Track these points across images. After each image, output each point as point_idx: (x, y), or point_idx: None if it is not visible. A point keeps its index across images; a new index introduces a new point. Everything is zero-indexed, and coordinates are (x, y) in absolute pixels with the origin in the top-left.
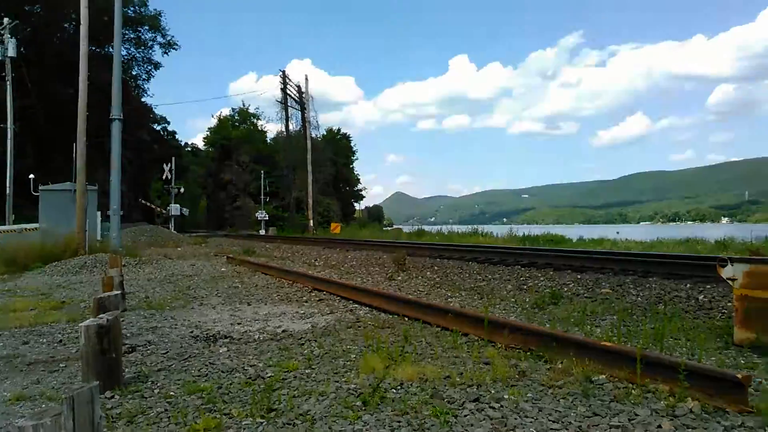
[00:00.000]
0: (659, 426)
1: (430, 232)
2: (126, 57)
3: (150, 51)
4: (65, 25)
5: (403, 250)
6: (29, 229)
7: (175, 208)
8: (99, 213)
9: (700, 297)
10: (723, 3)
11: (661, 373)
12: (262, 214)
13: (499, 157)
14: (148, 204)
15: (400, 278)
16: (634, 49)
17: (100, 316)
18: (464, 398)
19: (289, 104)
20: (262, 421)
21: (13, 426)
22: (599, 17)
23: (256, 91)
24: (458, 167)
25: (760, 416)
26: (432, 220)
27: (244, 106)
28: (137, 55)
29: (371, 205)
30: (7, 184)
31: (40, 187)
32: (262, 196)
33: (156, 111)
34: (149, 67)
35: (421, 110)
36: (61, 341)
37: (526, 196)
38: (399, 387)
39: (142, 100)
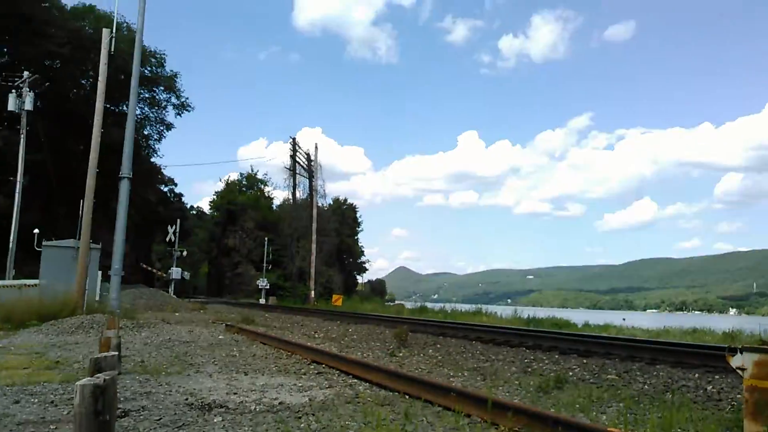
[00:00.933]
0: None
1: (433, 310)
2: (139, 116)
3: (163, 111)
4: (82, 81)
5: (405, 326)
6: (29, 285)
7: (176, 272)
8: (100, 273)
9: (709, 387)
10: (730, 93)
11: None
12: (263, 283)
13: (504, 235)
14: (150, 268)
15: (401, 355)
16: (643, 134)
17: (97, 375)
18: None
19: (297, 171)
20: None
21: None
22: (608, 101)
23: (265, 157)
24: (463, 244)
25: None
26: (435, 297)
27: (252, 171)
28: (150, 114)
29: (374, 279)
30: (11, 239)
31: (43, 243)
32: (265, 264)
33: (164, 172)
34: (161, 128)
35: (428, 184)
36: (53, 402)
37: (531, 276)
38: None
39: (152, 160)
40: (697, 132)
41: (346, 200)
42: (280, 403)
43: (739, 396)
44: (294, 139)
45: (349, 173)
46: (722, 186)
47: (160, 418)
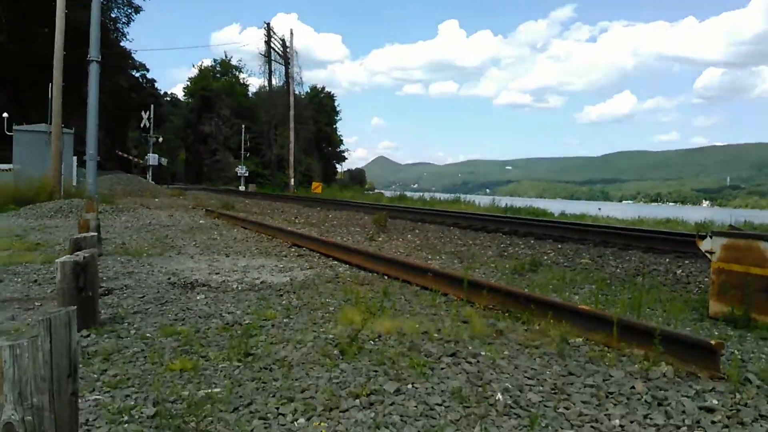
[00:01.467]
0: (632, 387)
1: (412, 198)
2: None
3: None
4: None
5: (384, 212)
6: (3, 170)
7: (153, 158)
8: (75, 158)
9: (678, 271)
10: None
11: (636, 338)
12: (242, 170)
13: (484, 127)
14: (126, 155)
15: (380, 239)
16: (625, 27)
17: (77, 253)
18: (441, 353)
19: (272, 58)
20: (238, 364)
21: None
22: None
23: (239, 42)
24: (443, 135)
25: (730, 382)
26: (415, 186)
27: (226, 57)
28: None
29: (353, 168)
30: None
31: (14, 127)
32: (243, 152)
33: (135, 57)
34: (129, 10)
35: (407, 74)
36: (36, 281)
37: (510, 168)
38: (377, 339)
39: (121, 44)
40: (680, 26)
41: (323, 88)
42: (261, 282)
43: (706, 279)
44: (268, 24)
45: (327, 61)
46: (702, 80)
47: (144, 296)
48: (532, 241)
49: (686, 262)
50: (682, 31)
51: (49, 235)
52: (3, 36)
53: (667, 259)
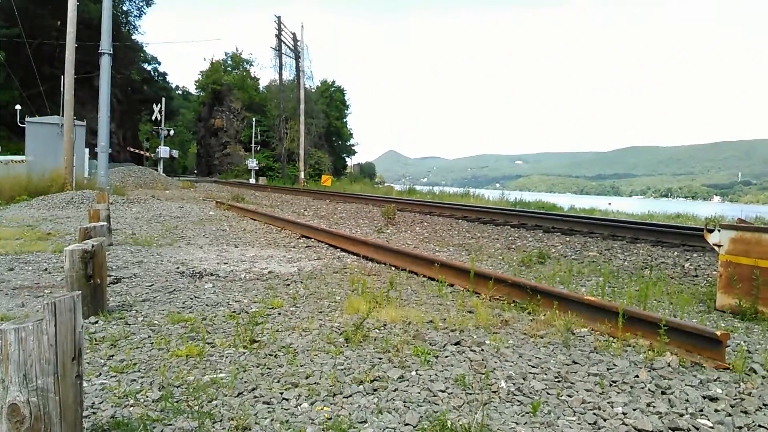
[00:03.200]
0: (636, 376)
1: (422, 192)
2: None
3: None
4: None
5: (393, 204)
6: (16, 161)
7: (164, 150)
8: (87, 150)
9: (686, 264)
10: None
11: (641, 328)
12: (252, 163)
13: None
14: (137, 150)
15: (389, 231)
16: None
17: (86, 241)
18: (446, 341)
19: (283, 52)
20: (244, 351)
21: None
22: None
23: (251, 36)
24: (453, 128)
25: (736, 372)
26: (424, 180)
27: (237, 51)
28: None
29: (363, 162)
30: None
31: (26, 119)
32: (253, 145)
33: (147, 50)
34: (141, 3)
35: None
36: (46, 269)
37: (520, 162)
38: (382, 327)
39: (133, 37)
40: None
41: (334, 82)
42: (269, 272)
43: (714, 272)
44: (279, 18)
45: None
46: None
47: (152, 284)
48: (540, 234)
49: (694, 255)
50: None
51: (61, 225)
52: (16, 29)
53: (676, 253)
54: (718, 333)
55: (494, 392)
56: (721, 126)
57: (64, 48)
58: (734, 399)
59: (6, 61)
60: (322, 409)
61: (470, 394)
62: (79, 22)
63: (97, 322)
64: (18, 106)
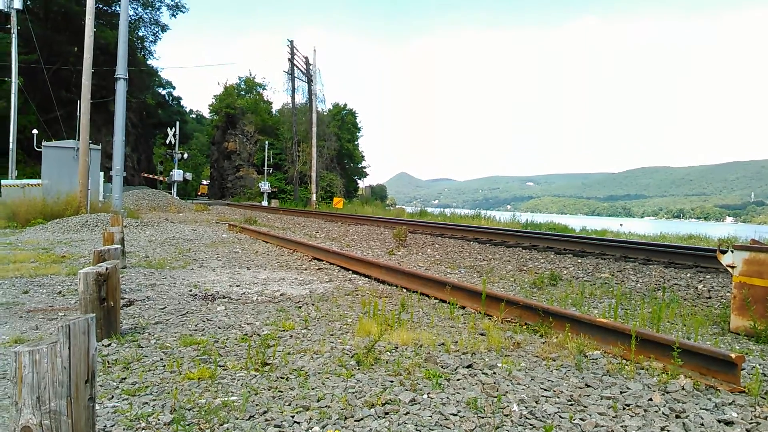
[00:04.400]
0: (650, 399)
1: (433, 213)
2: (133, 17)
3: (157, 12)
4: None
5: (404, 226)
6: (32, 185)
7: (177, 174)
8: (102, 174)
9: (700, 286)
10: None
11: (655, 351)
12: (265, 186)
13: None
14: (151, 176)
15: (400, 253)
16: None
17: (100, 264)
18: (458, 364)
19: (296, 76)
20: (255, 373)
21: (10, 352)
22: None
23: (264, 60)
24: (464, 151)
25: (751, 395)
26: (435, 202)
27: (250, 75)
28: (144, 15)
29: (375, 184)
30: (11, 139)
31: (43, 144)
32: (266, 168)
33: (161, 75)
34: (156, 29)
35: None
36: (60, 292)
37: (531, 183)
38: (393, 350)
39: (148, 62)
40: None
41: (345, 105)
42: (281, 295)
43: (728, 294)
44: (292, 42)
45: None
46: None
47: (165, 307)
48: (551, 256)
49: (708, 276)
50: None
51: (75, 248)
52: (34, 55)
53: (689, 274)
54: (733, 355)
55: (506, 416)
56: (733, 146)
57: (80, 73)
58: (750, 423)
59: (24, 87)
60: None
61: (482, 417)
62: (95, 47)
63: (110, 345)
64: (35, 131)
